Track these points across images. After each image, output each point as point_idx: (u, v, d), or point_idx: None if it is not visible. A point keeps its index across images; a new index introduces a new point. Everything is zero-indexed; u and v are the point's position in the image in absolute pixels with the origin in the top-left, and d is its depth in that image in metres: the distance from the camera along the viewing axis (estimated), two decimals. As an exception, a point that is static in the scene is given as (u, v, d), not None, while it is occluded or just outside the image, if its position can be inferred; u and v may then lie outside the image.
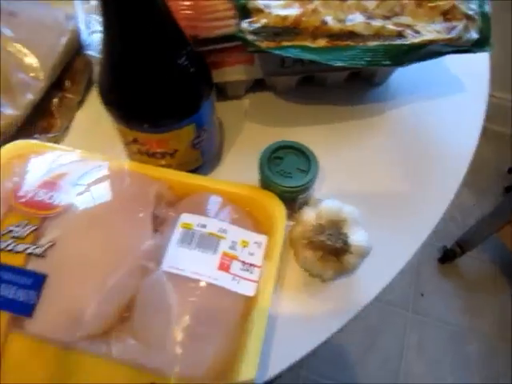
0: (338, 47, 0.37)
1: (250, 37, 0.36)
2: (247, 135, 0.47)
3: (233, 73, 0.44)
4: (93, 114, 0.48)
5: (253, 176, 0.38)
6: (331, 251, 0.35)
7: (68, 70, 0.46)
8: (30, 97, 0.41)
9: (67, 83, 0.46)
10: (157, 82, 0.31)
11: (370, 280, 0.38)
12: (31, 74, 0.41)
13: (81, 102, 0.48)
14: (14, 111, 0.40)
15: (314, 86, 0.51)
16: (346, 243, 0.34)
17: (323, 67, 0.46)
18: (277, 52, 0.36)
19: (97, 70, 0.43)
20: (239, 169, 0.43)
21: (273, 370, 0.33)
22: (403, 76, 0.52)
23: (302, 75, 0.47)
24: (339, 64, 0.37)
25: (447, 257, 1.24)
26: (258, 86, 0.50)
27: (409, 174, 0.45)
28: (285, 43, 0.36)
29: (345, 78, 0.51)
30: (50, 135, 0.44)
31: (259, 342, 0.30)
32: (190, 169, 0.39)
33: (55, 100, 0.45)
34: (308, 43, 0.36)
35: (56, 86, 0.45)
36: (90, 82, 0.49)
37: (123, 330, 0.30)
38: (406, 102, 0.51)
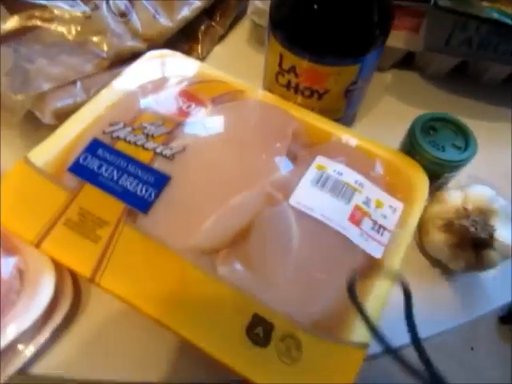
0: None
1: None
2: (384, 109, 0.44)
3: (394, 38, 0.40)
4: (231, 50, 0.47)
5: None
6: (471, 241, 0.30)
7: (222, 1, 0.45)
8: (186, 13, 0.41)
9: (218, 14, 0.46)
10: (342, 7, 0.28)
11: (499, 288, 0.33)
12: (192, -9, 0.41)
13: (222, 37, 0.48)
14: (169, 22, 0.40)
15: (467, 79, 0.46)
16: (491, 236, 0.30)
17: (491, 56, 0.41)
18: (474, 12, 0.32)
19: (257, 0, 0.42)
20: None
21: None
22: None
23: (464, 59, 0.43)
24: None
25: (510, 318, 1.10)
26: (405, 63, 0.46)
27: None
28: (486, 3, 0.32)
29: (504, 77, 0.45)
30: (189, 59, 0.44)
31: (380, 305, 0.26)
32: (330, 119, 0.36)
33: (202, 27, 0.45)
34: (510, 10, 0.32)
35: (207, 13, 0.45)
36: (235, 19, 0.49)
37: (232, 253, 0.28)
38: None
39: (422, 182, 0.32)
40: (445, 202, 0.32)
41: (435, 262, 0.33)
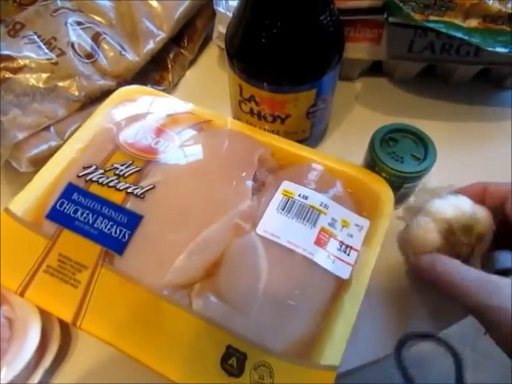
0: (491, 30, 0.33)
1: (400, 5, 0.33)
2: (355, 119, 0.45)
3: (356, 50, 0.41)
4: (202, 75, 0.48)
5: (355, 161, 0.36)
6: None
7: (188, 27, 0.46)
8: (151, 45, 0.42)
9: (185, 40, 0.47)
10: (294, 36, 0.29)
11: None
12: (156, 24, 0.42)
13: (192, 62, 0.49)
14: (135, 57, 0.41)
15: (435, 81, 0.47)
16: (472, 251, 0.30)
17: (455, 58, 0.42)
18: (425, 25, 0.33)
19: (220, 25, 0.43)
20: (342, 152, 0.40)
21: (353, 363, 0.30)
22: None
23: (428, 63, 0.43)
24: (489, 48, 0.33)
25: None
26: (373, 70, 0.47)
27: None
28: (433, 17, 0.33)
29: (471, 76, 0.46)
30: (160, 88, 0.45)
31: (348, 328, 0.27)
32: (296, 140, 0.37)
33: (171, 55, 0.46)
34: (458, 21, 0.33)
35: (174, 40, 0.46)
36: (204, 42, 0.50)
37: (206, 285, 0.29)
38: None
39: (386, 196, 0.33)
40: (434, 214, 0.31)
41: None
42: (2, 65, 0.36)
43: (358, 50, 0.42)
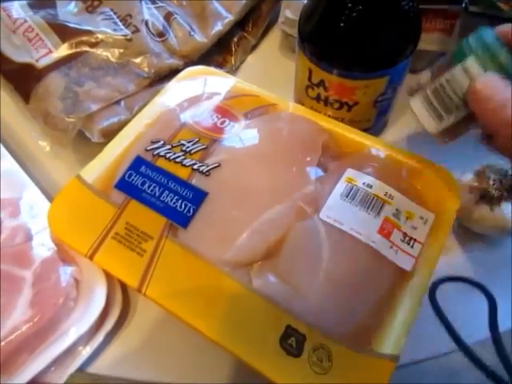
0: None
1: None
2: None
3: (426, 41, 0.40)
4: (263, 60, 0.48)
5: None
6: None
7: (253, 11, 0.47)
8: (219, 27, 0.42)
9: (250, 25, 0.47)
10: (373, 20, 0.29)
11: None
12: (225, 6, 0.42)
13: (254, 47, 0.49)
14: (203, 38, 0.42)
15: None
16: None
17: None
18: (509, 15, 0.32)
19: (288, 10, 0.43)
20: (402, 143, 0.40)
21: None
22: None
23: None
24: None
25: None
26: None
27: None
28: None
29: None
30: (223, 71, 0.45)
31: (409, 319, 0.27)
32: (359, 129, 0.37)
33: (235, 38, 0.46)
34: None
35: (239, 24, 0.46)
36: (267, 29, 0.50)
37: (266, 265, 0.29)
38: None
39: (452, 190, 0.32)
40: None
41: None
42: (82, 39, 0.37)
43: (427, 40, 0.41)
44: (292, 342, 0.27)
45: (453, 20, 0.40)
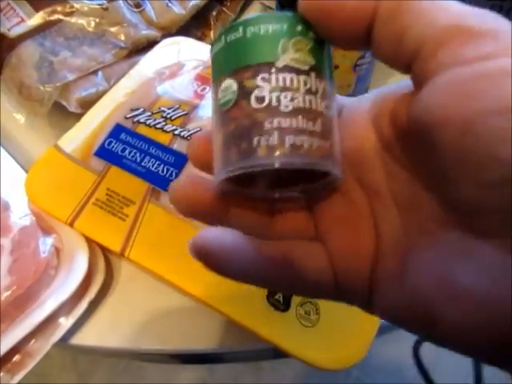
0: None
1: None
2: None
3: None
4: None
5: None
6: None
7: (232, -15, 0.47)
8: (197, 0, 0.42)
9: (228, -1, 0.47)
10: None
11: None
12: (203, -22, 0.42)
13: (233, 21, 0.49)
14: (181, 10, 0.41)
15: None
16: None
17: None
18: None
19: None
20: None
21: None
22: None
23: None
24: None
25: None
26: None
27: None
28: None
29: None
30: (202, 45, 0.45)
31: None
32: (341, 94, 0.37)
33: (214, 12, 0.46)
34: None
35: (217, -1, 0.46)
36: (245, 3, 0.49)
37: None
38: None
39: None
40: None
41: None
42: (56, 8, 0.36)
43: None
44: (279, 297, 0.26)
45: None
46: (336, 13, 0.14)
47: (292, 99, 0.14)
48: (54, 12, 0.36)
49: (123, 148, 0.32)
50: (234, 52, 0.15)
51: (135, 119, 0.34)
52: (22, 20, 0.36)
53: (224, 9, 0.47)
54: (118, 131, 0.33)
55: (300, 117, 0.14)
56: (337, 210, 0.16)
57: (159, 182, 0.31)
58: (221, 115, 0.15)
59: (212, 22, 0.46)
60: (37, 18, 0.36)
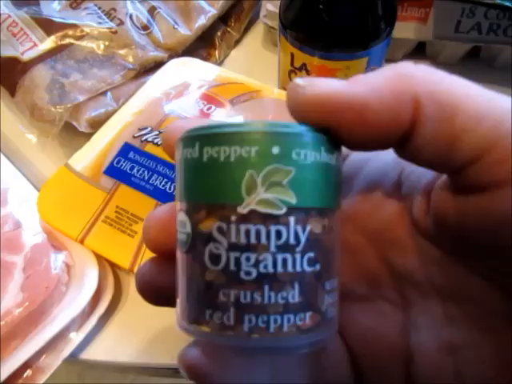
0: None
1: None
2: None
3: (403, 29, 0.42)
4: (246, 54, 0.49)
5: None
6: None
7: (236, 6, 0.48)
8: (203, 21, 0.43)
9: (232, 20, 0.48)
10: (346, 4, 0.30)
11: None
12: (208, 1, 0.43)
13: (238, 41, 0.50)
14: (187, 31, 0.43)
15: (479, 64, 0.47)
16: None
17: (502, 39, 0.42)
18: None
19: (268, 4, 0.44)
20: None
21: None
22: None
23: (475, 44, 0.44)
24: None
25: None
26: (416, 53, 0.47)
27: None
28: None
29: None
30: (207, 64, 0.46)
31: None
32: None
33: (218, 33, 0.47)
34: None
35: (222, 19, 0.47)
36: (249, 23, 0.51)
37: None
38: None
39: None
40: None
41: None
42: (67, 32, 0.38)
43: (404, 29, 0.42)
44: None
45: (427, 8, 0.42)
46: (369, 115, 0.12)
47: (256, 263, 0.11)
48: (66, 36, 0.38)
49: (131, 166, 0.33)
50: (189, 177, 0.12)
51: (143, 138, 0.35)
52: (35, 44, 0.38)
53: (228, 29, 0.48)
54: (126, 150, 0.34)
55: (266, 288, 0.11)
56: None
57: (167, 199, 0.32)
58: (180, 251, 0.13)
59: (217, 42, 0.47)
60: (49, 42, 0.38)
